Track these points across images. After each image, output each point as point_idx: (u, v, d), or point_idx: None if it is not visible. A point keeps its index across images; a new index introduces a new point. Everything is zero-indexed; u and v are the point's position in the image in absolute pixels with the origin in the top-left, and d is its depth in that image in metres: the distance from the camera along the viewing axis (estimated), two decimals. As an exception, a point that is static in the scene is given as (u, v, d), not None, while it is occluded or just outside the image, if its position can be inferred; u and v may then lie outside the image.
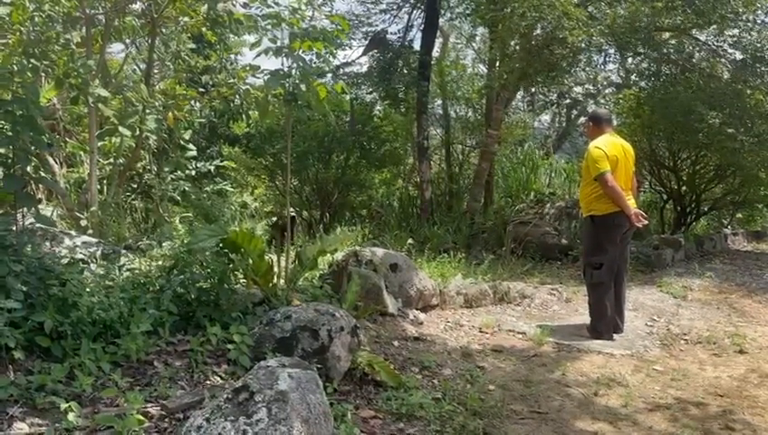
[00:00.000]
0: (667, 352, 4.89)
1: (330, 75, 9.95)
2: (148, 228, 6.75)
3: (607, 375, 4.27)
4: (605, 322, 5.12)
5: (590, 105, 10.43)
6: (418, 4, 11.10)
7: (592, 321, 5.21)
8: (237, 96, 7.16)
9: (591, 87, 9.49)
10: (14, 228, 3.49)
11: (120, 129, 5.01)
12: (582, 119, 12.81)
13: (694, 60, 8.60)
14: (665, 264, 8.24)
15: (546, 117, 13.88)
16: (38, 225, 4.07)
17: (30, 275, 3.09)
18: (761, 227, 12.27)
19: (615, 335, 5.15)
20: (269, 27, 4.32)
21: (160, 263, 4.05)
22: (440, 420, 3.37)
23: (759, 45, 8.14)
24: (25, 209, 3.76)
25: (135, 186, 7.49)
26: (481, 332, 5.24)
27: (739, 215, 12.06)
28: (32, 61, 4.47)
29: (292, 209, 9.46)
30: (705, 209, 10.98)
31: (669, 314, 5.92)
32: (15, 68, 4.07)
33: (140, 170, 7.43)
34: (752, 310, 6.22)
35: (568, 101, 9.71)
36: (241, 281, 4.26)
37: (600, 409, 3.73)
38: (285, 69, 4.33)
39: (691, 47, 8.72)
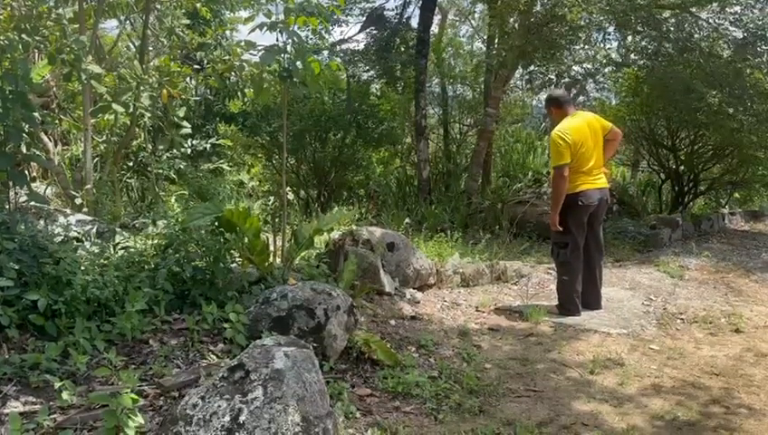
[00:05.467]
0: (663, 331, 4.90)
1: (326, 52, 9.85)
2: (144, 207, 6.72)
3: (603, 354, 4.28)
4: (572, 299, 5.16)
5: (589, 84, 10.36)
6: (417, -19, 10.95)
7: (560, 298, 5.24)
8: (233, 73, 7.07)
9: (590, 66, 9.39)
10: (7, 206, 3.45)
11: (114, 106, 4.95)
12: (581, 97, 12.73)
13: (694, 38, 8.50)
14: (662, 243, 8.25)
15: (545, 96, 13.79)
16: (32, 203, 4.03)
17: (23, 254, 3.06)
18: (758, 207, 12.28)
19: (595, 312, 5.21)
20: (263, 2, 4.25)
21: (155, 241, 4.03)
22: (436, 399, 3.38)
23: (760, 23, 8.05)
24: (18, 187, 3.73)
25: (130, 164, 7.44)
26: (478, 311, 5.24)
27: (737, 195, 12.06)
28: (23, 36, 4.39)
29: (288, 188, 9.42)
30: (703, 189, 10.98)
31: (666, 293, 5.92)
32: (6, 43, 4.01)
33: (135, 148, 7.37)
34: (748, 289, 6.23)
35: (567, 79, 9.62)
36: (237, 260, 4.24)
37: (597, 388, 3.74)
38: (280, 44, 4.27)
39: (690, 26, 8.61)
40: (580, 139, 4.97)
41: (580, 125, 5.05)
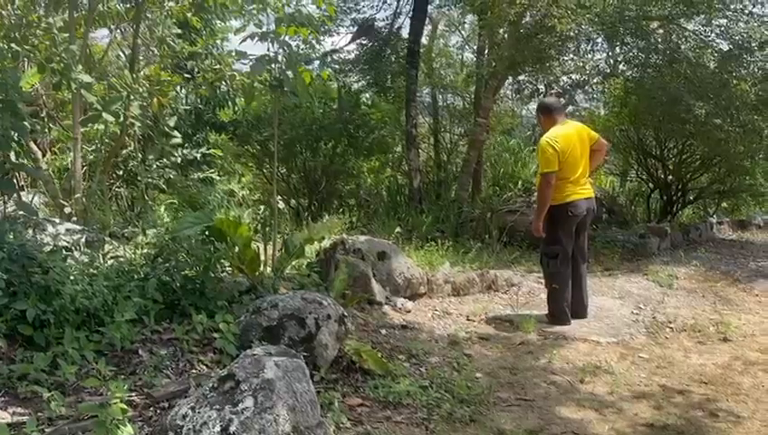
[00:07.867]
0: (652, 339, 4.93)
1: (317, 62, 9.89)
2: (133, 216, 6.69)
3: (593, 363, 4.29)
4: (562, 308, 5.17)
5: (578, 94, 10.44)
6: (407, -9, 11.01)
7: (550, 308, 5.25)
8: (224, 82, 7.06)
9: (579, 76, 9.47)
10: (-4, 215, 3.43)
11: (104, 115, 4.93)
12: (570, 107, 12.80)
13: (681, 49, 8.59)
14: (651, 252, 8.29)
15: (534, 105, 13.88)
16: (20, 212, 4.01)
17: (12, 263, 3.04)
18: (745, 215, 12.37)
19: (585, 320, 5.24)
20: (254, 12, 4.27)
21: (145, 250, 4.02)
22: (427, 408, 3.38)
23: (746, 36, 8.15)
24: (7, 196, 3.71)
25: (120, 173, 7.40)
26: (468, 320, 5.25)
27: (724, 204, 12.16)
28: (12, 45, 4.38)
29: (279, 197, 9.41)
30: (692, 198, 11.06)
31: (655, 301, 5.95)
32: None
33: (125, 157, 7.34)
34: (736, 298, 6.28)
35: (556, 89, 9.68)
36: (227, 269, 4.23)
37: (586, 396, 3.75)
38: (271, 54, 4.28)
39: (678, 37, 8.71)
40: (568, 147, 4.99)
41: (568, 133, 5.07)
